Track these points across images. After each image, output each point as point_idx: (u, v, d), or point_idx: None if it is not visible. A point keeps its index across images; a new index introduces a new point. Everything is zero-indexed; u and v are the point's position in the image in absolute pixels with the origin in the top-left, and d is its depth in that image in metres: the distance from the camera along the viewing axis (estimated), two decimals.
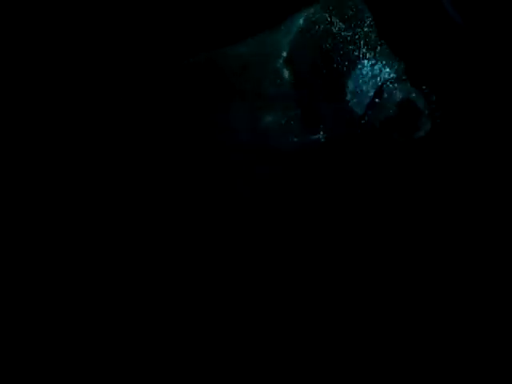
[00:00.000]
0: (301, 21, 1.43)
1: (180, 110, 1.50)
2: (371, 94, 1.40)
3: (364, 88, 1.42)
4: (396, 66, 1.39)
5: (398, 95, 1.37)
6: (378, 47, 1.41)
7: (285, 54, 1.44)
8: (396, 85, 1.38)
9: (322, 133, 1.42)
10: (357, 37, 1.42)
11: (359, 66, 1.42)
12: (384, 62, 1.41)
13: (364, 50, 1.42)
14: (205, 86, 1.49)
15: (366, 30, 1.42)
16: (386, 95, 1.38)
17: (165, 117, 1.51)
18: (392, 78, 1.39)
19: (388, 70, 1.40)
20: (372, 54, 1.42)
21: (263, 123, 1.46)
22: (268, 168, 1.44)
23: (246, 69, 1.48)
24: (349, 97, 1.42)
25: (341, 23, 1.43)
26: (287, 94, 1.44)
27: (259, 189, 1.45)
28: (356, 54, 1.42)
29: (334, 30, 1.43)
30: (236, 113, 1.47)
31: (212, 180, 1.50)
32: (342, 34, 1.42)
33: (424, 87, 1.35)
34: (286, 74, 1.44)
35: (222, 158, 1.49)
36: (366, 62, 1.41)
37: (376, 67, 1.41)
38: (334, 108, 1.42)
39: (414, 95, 1.35)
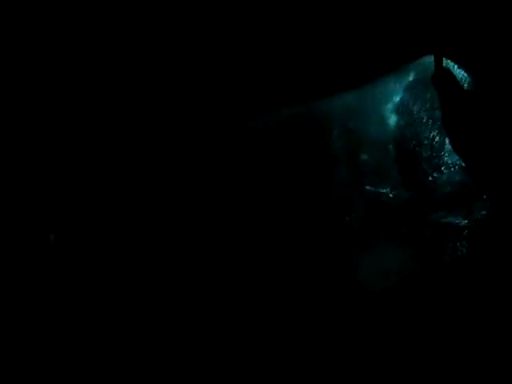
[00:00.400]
0: (410, 77, 1.55)
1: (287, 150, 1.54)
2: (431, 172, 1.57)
3: (425, 165, 1.59)
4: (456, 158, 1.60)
5: (456, 178, 1.57)
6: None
7: (395, 101, 1.53)
8: (453, 169, 1.58)
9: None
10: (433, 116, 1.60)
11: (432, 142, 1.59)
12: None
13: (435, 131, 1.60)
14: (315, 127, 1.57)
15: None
16: (443, 177, 1.57)
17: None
18: (451, 164, 1.59)
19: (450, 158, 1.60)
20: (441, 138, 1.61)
21: (361, 163, 1.50)
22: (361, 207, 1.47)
23: (352, 112, 1.56)
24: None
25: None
26: (389, 140, 1.52)
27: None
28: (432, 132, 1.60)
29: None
30: (336, 150, 1.52)
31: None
32: (418, 113, 1.59)
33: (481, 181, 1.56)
34: (392, 120, 1.53)
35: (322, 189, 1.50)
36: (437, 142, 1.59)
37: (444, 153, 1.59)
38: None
39: (469, 182, 1.55)
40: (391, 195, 1.53)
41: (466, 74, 1.57)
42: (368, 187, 1.52)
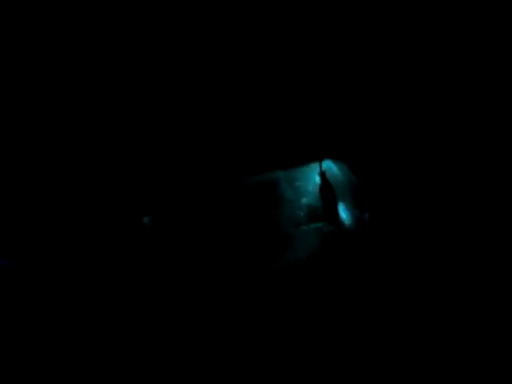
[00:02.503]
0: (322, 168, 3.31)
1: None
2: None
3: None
4: None
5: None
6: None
7: (317, 180, 3.20)
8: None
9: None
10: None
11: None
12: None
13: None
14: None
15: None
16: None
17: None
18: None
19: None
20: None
21: (303, 212, 3.16)
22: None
23: (296, 181, 3.12)
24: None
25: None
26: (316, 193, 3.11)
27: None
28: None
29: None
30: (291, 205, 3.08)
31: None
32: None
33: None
34: (317, 190, 3.14)
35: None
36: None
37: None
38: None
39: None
40: (318, 225, 3.16)
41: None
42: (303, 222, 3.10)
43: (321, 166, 2.72)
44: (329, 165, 3.00)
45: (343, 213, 2.98)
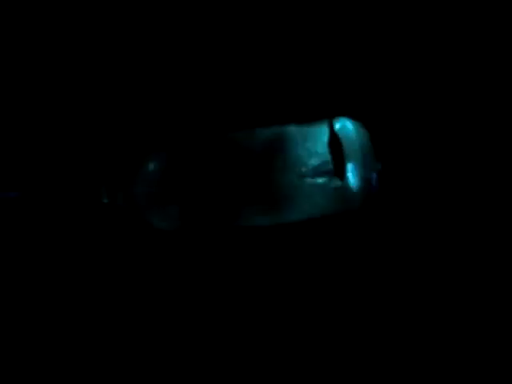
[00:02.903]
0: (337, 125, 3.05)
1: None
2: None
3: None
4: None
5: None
6: None
7: (327, 140, 3.04)
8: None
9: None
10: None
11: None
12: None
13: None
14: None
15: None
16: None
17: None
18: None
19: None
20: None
21: (310, 168, 2.98)
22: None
23: (305, 139, 2.99)
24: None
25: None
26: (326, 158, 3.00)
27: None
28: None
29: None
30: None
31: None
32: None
33: None
34: (326, 150, 2.98)
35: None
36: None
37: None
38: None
39: None
40: (321, 180, 3.05)
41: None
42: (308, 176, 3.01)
43: (333, 123, 2.64)
44: (343, 123, 2.89)
45: (351, 172, 2.87)
